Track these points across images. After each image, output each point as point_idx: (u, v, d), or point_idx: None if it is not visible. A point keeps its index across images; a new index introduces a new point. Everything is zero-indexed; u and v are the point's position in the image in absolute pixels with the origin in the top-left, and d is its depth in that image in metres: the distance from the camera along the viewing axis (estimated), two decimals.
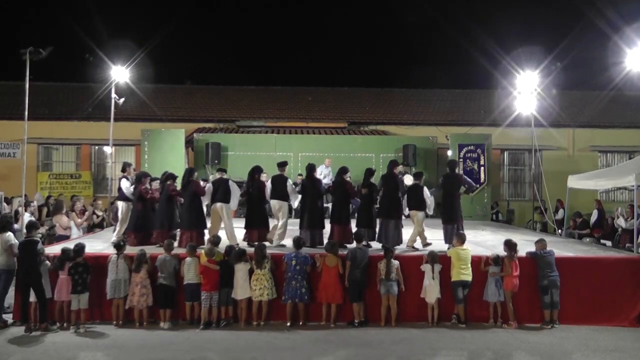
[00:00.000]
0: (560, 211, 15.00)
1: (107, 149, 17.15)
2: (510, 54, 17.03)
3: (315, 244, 9.07)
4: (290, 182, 9.66)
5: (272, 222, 9.66)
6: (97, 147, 19.21)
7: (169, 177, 9.45)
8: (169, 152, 15.08)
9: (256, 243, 8.65)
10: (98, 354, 6.81)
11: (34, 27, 34.67)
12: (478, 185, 9.18)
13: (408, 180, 10.82)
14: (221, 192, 9.32)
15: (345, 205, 9.50)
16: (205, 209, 9.64)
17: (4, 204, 11.72)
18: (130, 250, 8.35)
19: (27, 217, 10.21)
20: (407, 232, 9.34)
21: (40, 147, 18.80)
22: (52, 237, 11.05)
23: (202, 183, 9.62)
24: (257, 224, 9.36)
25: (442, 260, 8.18)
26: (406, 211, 9.40)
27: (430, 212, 9.48)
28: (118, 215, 9.73)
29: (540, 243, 8.35)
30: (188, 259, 7.99)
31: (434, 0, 40.44)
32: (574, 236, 13.48)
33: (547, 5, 37.57)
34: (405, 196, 9.36)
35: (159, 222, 9.20)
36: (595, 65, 22.58)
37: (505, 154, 19.88)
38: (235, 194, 9.49)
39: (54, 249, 8.51)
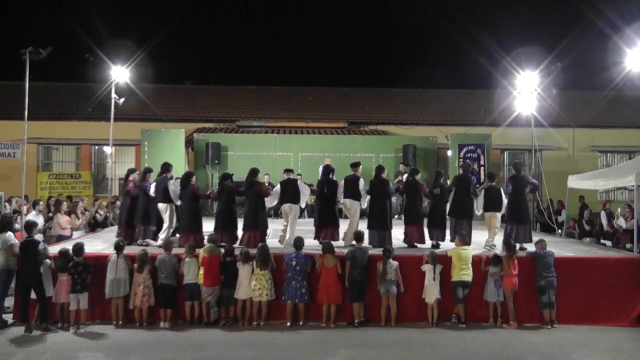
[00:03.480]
0: (563, 212, 14.97)
1: (107, 149, 17.16)
2: (510, 54, 17.02)
3: (385, 244, 8.83)
4: (362, 181, 9.64)
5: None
6: (97, 147, 19.22)
7: (226, 176, 9.46)
8: (169, 152, 15.04)
9: (326, 241, 8.62)
10: (98, 354, 6.81)
11: (34, 27, 34.77)
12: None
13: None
14: (290, 192, 9.31)
15: (418, 205, 9.56)
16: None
17: (5, 203, 11.72)
18: (130, 250, 8.35)
19: (32, 216, 10.20)
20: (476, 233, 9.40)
21: (40, 147, 18.81)
22: (51, 237, 11.03)
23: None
24: (332, 223, 9.38)
25: (442, 261, 8.18)
26: (479, 211, 9.47)
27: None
28: (165, 217, 9.29)
29: (540, 243, 8.34)
30: (187, 258, 8.00)
31: (434, 0, 40.50)
32: (574, 236, 13.47)
33: (547, 5, 37.60)
34: (481, 197, 9.42)
35: (221, 224, 9.10)
36: (595, 65, 22.68)
37: (505, 154, 19.88)
38: (305, 193, 9.52)
39: (55, 249, 8.50)
